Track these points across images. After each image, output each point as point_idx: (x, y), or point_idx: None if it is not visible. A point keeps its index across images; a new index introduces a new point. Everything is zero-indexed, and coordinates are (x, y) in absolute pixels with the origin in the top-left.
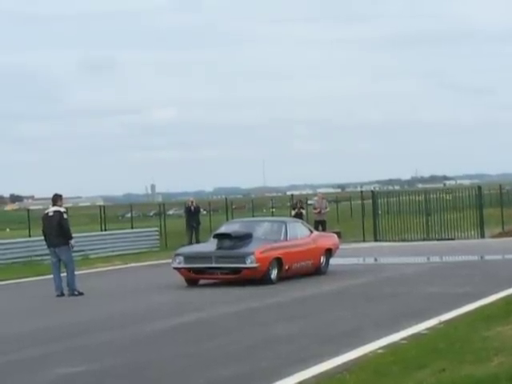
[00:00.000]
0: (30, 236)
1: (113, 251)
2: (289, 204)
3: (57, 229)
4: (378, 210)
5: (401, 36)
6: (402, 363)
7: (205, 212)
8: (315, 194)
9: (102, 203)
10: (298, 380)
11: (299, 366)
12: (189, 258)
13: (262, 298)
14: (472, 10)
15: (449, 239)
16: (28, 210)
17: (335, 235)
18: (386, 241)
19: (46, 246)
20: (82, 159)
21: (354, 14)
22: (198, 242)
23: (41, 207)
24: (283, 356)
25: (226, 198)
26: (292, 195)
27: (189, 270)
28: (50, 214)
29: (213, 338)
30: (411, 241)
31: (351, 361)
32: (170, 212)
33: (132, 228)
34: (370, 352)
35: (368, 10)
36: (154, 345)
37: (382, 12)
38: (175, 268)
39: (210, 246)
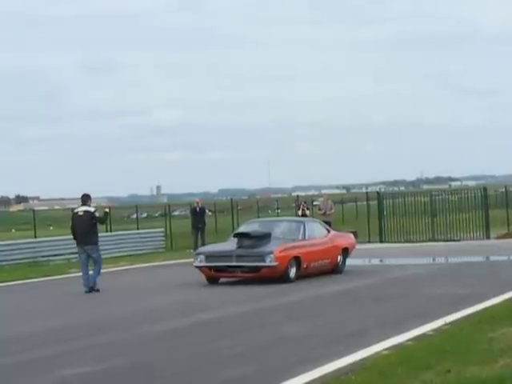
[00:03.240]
0: (35, 237)
1: (118, 252)
2: (294, 205)
3: (87, 228)
4: (384, 211)
5: (404, 38)
6: (407, 364)
7: (210, 213)
8: (321, 195)
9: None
10: (303, 381)
11: (305, 367)
12: (210, 256)
13: (270, 298)
14: (475, 12)
15: (454, 240)
16: (33, 211)
17: (352, 235)
18: (392, 242)
19: (51, 247)
20: (86, 160)
21: (356, 16)
22: (203, 243)
23: (46, 208)
24: (289, 357)
25: (232, 199)
26: (297, 196)
27: (209, 268)
28: (80, 213)
29: (220, 339)
30: (417, 242)
31: (356, 362)
32: (176, 213)
33: (137, 229)
34: (376, 353)
35: (370, 12)
36: (163, 345)
37: (385, 14)
38: (197, 266)
39: (230, 245)
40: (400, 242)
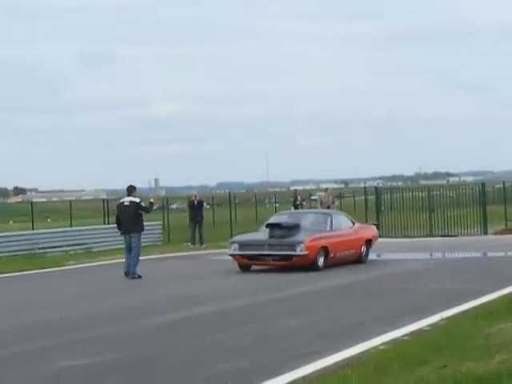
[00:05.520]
0: (33, 229)
1: (116, 245)
2: (292, 199)
3: (132, 217)
4: (382, 206)
5: (403, 32)
6: (403, 359)
7: (208, 206)
8: (320, 190)
9: (104, 196)
10: (299, 375)
11: (301, 361)
12: (243, 245)
13: (272, 291)
14: (473, 7)
15: (452, 236)
16: (31, 203)
17: (374, 227)
18: (390, 237)
19: (48, 239)
20: (84, 152)
21: (355, 10)
22: (201, 236)
23: (44, 200)
24: (286, 350)
25: (230, 193)
26: (295, 190)
27: (243, 256)
28: (126, 203)
29: (217, 332)
30: (414, 237)
31: (353, 356)
32: (173, 206)
33: None
34: (372, 348)
35: (369, 6)
36: (163, 337)
37: (383, 9)
38: (230, 255)
39: (262, 234)
40: (398, 237)
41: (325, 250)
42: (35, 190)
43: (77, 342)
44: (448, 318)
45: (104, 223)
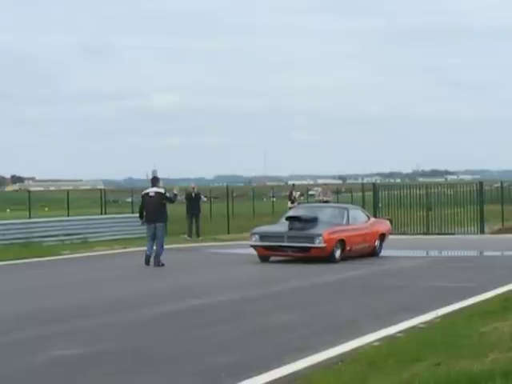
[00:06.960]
0: (29, 217)
1: (112, 235)
2: (288, 193)
3: (157, 207)
4: (379, 203)
5: (403, 30)
6: (397, 356)
7: (205, 199)
8: (317, 185)
9: (102, 187)
10: (293, 370)
11: (295, 356)
12: (264, 236)
13: (264, 286)
14: (473, 6)
15: (449, 234)
16: (29, 192)
17: (388, 222)
18: None
19: (44, 228)
20: (83, 143)
21: (354, 7)
22: (198, 229)
23: (41, 189)
24: (280, 345)
25: (227, 186)
26: (293, 185)
27: (263, 247)
28: (151, 194)
29: (212, 325)
30: (411, 234)
31: (347, 352)
32: None
33: (132, 213)
34: (366, 344)
35: (369, 3)
36: (155, 329)
37: (384, 6)
38: (252, 245)
39: (282, 226)
40: (394, 233)
41: (342, 242)
42: (32, 179)
43: (69, 331)
44: (443, 316)
45: (101, 213)
